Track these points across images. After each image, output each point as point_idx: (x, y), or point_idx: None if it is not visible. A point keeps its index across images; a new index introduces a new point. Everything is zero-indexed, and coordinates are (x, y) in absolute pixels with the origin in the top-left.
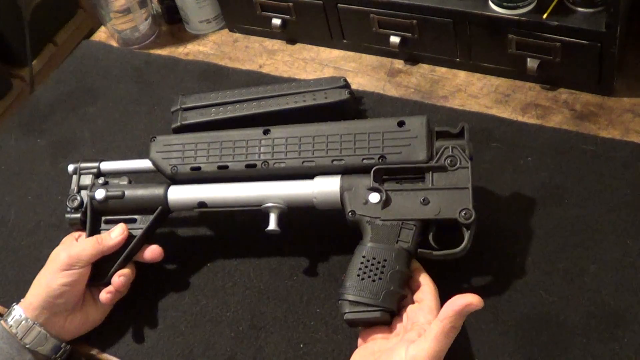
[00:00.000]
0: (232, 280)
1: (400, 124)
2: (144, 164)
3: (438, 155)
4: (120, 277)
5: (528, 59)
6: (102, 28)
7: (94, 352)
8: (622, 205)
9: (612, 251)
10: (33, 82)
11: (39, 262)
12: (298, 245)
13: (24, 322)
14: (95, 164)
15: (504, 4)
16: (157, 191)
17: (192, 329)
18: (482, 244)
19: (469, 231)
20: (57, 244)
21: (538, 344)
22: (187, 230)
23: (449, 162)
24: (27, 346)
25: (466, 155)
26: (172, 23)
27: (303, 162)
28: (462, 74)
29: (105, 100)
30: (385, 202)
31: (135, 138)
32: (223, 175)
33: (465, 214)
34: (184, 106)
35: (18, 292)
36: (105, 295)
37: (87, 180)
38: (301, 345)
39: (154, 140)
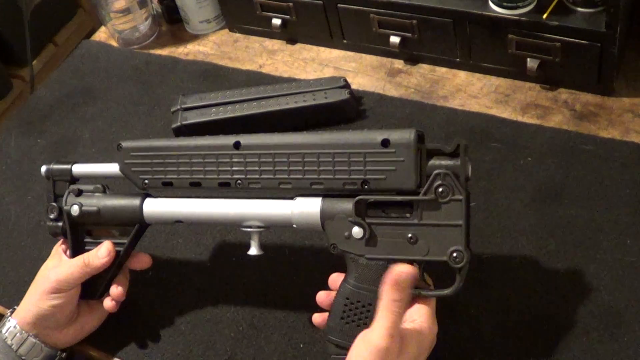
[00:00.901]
0: (232, 280)
1: (385, 143)
2: (117, 168)
3: (428, 183)
4: (119, 287)
5: (528, 59)
6: (102, 28)
7: (94, 352)
8: (622, 205)
9: (612, 251)
10: (33, 82)
11: (39, 263)
12: (298, 245)
13: (18, 334)
14: (68, 167)
15: (504, 4)
16: (133, 205)
17: (192, 329)
18: (481, 244)
19: (459, 275)
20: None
21: (538, 344)
22: (187, 230)
23: (440, 191)
24: (23, 357)
25: (461, 184)
26: (172, 23)
27: (279, 183)
28: (462, 74)
29: (105, 100)
30: (370, 239)
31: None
32: (197, 192)
33: (456, 256)
34: (184, 106)
35: (18, 293)
36: (109, 302)
37: (63, 186)
38: (301, 345)
39: (120, 148)
